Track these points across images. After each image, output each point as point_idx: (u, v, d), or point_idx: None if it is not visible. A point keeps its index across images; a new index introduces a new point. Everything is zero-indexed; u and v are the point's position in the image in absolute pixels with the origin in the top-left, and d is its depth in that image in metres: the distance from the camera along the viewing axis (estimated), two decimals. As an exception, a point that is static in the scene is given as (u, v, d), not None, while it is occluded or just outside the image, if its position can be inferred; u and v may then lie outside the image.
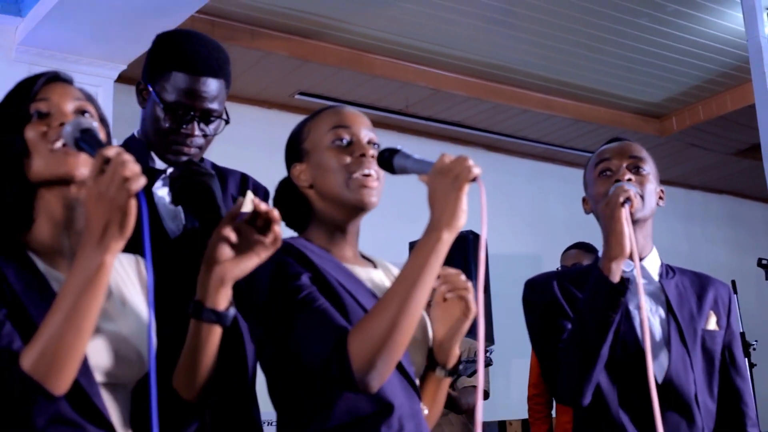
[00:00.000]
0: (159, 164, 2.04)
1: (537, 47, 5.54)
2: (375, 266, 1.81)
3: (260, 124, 5.61)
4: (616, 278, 1.96)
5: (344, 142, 1.74)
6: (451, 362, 1.74)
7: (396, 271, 1.83)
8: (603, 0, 4.98)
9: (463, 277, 1.70)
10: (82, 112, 1.52)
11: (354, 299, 1.62)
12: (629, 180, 2.07)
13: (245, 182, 2.16)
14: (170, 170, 1.97)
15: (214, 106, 2.01)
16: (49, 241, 1.51)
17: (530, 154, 7.07)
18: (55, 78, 1.55)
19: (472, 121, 6.33)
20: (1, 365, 1.33)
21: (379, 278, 1.76)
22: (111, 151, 1.29)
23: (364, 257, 1.83)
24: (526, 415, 5.30)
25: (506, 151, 6.97)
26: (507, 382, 6.10)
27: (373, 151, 1.72)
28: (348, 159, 1.71)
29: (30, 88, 1.51)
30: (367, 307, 1.61)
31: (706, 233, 8.43)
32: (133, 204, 1.28)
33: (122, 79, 4.82)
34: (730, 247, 8.54)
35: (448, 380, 1.77)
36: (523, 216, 6.95)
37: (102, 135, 1.46)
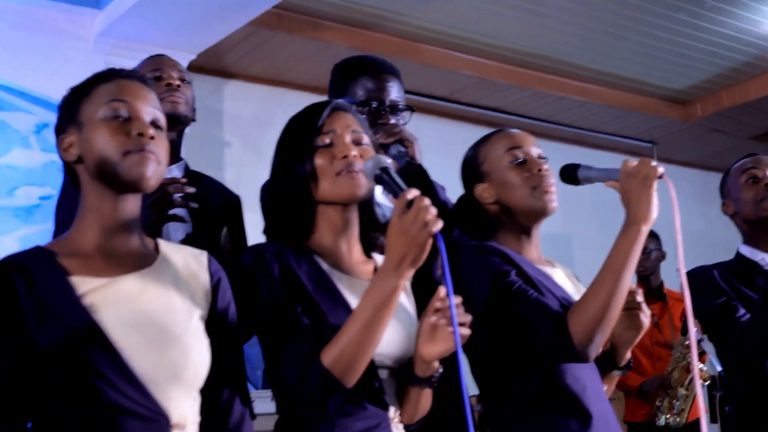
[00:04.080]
0: None
1: (578, 38, 5.79)
2: (553, 265, 2.12)
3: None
4: None
5: (520, 160, 2.04)
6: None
7: (567, 270, 2.16)
8: (646, -4, 5.26)
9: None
10: (358, 142, 1.80)
11: (551, 294, 1.93)
12: None
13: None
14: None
15: (399, 99, 2.33)
16: (329, 244, 1.79)
17: (560, 137, 7.33)
18: (335, 108, 1.83)
19: (510, 107, 6.59)
20: (305, 357, 1.61)
21: (560, 275, 2.08)
22: (411, 194, 1.57)
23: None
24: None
25: (537, 135, 7.21)
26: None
27: (546, 165, 2.03)
28: (527, 174, 2.02)
29: (315, 121, 1.79)
30: (561, 301, 1.93)
31: (721, 213, 8.72)
32: (430, 242, 1.56)
33: (191, 68, 5.05)
34: (743, 227, 8.82)
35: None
36: (553, 197, 7.21)
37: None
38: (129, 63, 4.74)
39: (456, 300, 1.64)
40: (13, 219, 4.76)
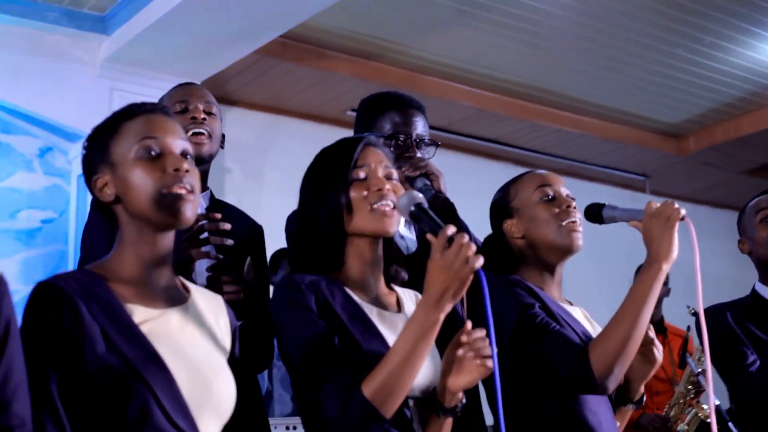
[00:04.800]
0: None
1: (575, 72, 5.87)
2: (572, 305, 2.18)
3: (314, 137, 5.90)
4: None
5: (549, 197, 2.10)
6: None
7: (583, 310, 2.21)
8: (644, 32, 5.32)
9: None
10: (389, 177, 1.85)
11: (572, 328, 1.98)
12: None
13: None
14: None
15: (424, 134, 2.37)
16: (358, 276, 1.84)
17: (555, 169, 7.38)
18: (368, 144, 1.88)
19: (508, 138, 6.66)
20: (346, 388, 1.65)
21: (579, 314, 2.13)
22: (450, 231, 1.61)
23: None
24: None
25: (532, 166, 7.29)
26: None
27: (574, 203, 2.08)
28: (556, 210, 2.07)
29: (350, 155, 1.84)
30: (580, 335, 1.98)
31: (711, 247, 8.79)
32: (470, 277, 1.60)
33: (194, 94, 5.08)
34: (733, 261, 8.88)
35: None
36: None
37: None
38: (134, 89, 4.81)
39: (480, 333, 1.69)
40: (14, 242, 4.78)
